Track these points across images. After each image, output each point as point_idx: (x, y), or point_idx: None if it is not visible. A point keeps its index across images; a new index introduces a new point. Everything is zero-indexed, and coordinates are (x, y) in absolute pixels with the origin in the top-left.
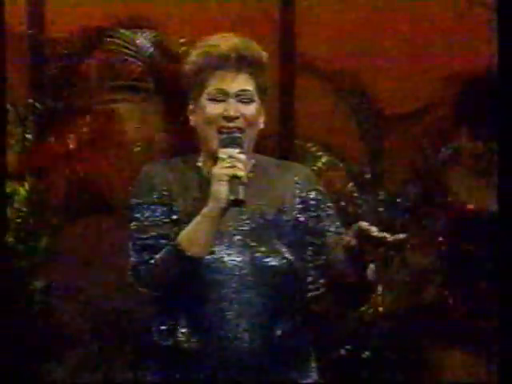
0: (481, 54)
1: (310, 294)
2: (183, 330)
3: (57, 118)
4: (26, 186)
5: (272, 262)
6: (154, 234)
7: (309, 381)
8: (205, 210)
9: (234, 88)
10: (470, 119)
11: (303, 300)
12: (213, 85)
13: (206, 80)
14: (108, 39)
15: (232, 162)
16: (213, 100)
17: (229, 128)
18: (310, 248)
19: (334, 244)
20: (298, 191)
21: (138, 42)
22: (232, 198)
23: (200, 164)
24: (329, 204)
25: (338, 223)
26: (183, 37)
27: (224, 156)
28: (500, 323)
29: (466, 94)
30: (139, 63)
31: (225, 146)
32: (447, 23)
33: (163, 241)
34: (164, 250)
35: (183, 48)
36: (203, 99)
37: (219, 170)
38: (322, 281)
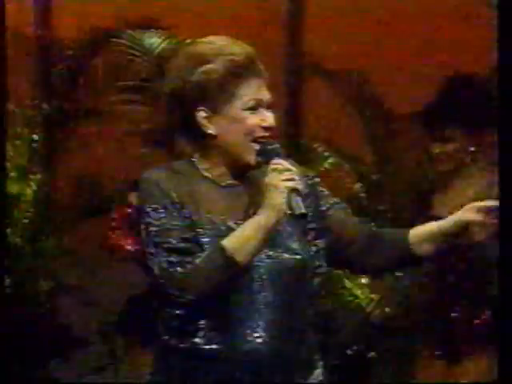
0: (486, 53)
1: (316, 280)
2: (203, 333)
3: (64, 118)
4: (33, 186)
5: (286, 259)
6: (176, 237)
7: (314, 381)
8: (260, 219)
9: (266, 96)
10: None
11: (314, 296)
12: (248, 94)
13: (237, 89)
14: (115, 40)
15: (291, 175)
16: (250, 110)
17: (265, 138)
18: (311, 233)
19: (342, 218)
20: None
21: (145, 42)
22: (297, 212)
23: (202, 168)
24: (322, 185)
25: (335, 199)
26: (191, 37)
27: (279, 167)
28: (500, 323)
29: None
30: (147, 64)
31: (268, 158)
32: (455, 23)
33: (188, 244)
34: (205, 254)
35: None
36: (237, 109)
37: (278, 181)
38: (324, 265)
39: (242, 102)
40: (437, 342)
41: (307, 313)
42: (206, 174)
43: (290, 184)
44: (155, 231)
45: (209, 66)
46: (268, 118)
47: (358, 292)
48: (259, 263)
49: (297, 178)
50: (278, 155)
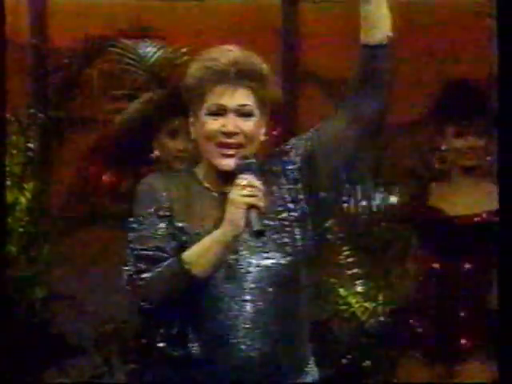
0: (483, 61)
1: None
2: (195, 341)
3: (59, 127)
4: (27, 194)
5: (276, 262)
6: (151, 245)
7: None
8: (217, 234)
9: (232, 103)
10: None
11: (305, 297)
12: (212, 100)
13: (205, 94)
14: (110, 49)
15: (253, 192)
16: (212, 115)
17: (228, 144)
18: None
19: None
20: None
21: (140, 51)
22: (255, 228)
23: (200, 176)
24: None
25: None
26: (186, 46)
27: (244, 182)
28: (500, 328)
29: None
30: (141, 73)
31: (240, 172)
32: (451, 32)
33: (160, 253)
34: (165, 264)
35: (185, 57)
36: (202, 114)
37: (239, 196)
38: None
39: (206, 106)
40: (432, 349)
41: (299, 316)
42: (203, 181)
43: (250, 200)
44: (133, 237)
45: (188, 72)
46: (229, 123)
47: (353, 301)
48: (248, 271)
49: (259, 194)
50: (250, 170)
